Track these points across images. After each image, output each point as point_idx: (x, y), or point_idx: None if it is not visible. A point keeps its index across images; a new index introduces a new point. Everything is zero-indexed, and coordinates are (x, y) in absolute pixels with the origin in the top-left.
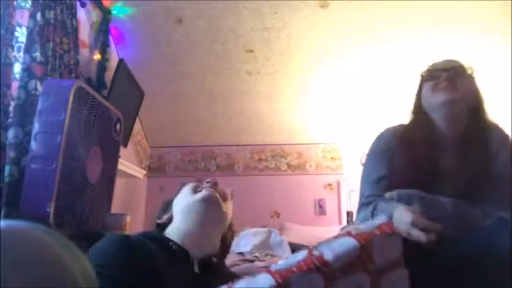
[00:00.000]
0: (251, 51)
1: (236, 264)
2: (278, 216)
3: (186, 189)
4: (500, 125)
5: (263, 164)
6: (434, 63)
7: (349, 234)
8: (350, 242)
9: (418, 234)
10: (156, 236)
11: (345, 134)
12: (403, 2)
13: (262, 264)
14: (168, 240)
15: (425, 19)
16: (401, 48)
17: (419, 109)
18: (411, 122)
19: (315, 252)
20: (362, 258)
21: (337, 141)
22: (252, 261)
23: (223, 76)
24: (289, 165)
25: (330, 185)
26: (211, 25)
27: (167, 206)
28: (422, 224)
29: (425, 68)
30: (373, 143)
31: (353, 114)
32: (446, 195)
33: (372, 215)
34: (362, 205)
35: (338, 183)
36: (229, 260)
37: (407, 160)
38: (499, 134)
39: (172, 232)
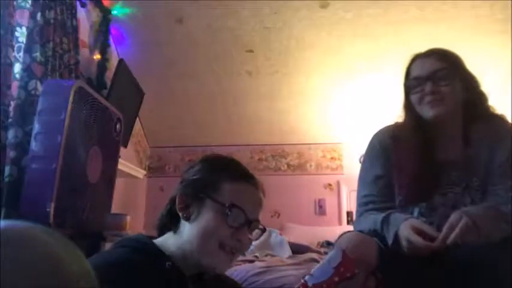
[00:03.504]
0: (251, 51)
1: (236, 264)
2: (278, 216)
3: (220, 224)
4: (501, 114)
5: (263, 164)
6: (416, 66)
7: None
8: None
9: (414, 248)
10: (151, 252)
11: (345, 134)
12: (403, 2)
13: (262, 264)
14: (164, 258)
15: (425, 19)
16: (401, 48)
17: (410, 107)
18: (404, 120)
19: None
20: None
21: (337, 141)
22: (252, 261)
23: (223, 76)
24: (289, 165)
25: (330, 185)
26: (211, 25)
27: (195, 198)
28: (417, 241)
29: (407, 76)
30: (369, 143)
31: (353, 114)
32: (448, 186)
33: (382, 229)
34: (359, 205)
35: (338, 183)
36: None
37: (403, 157)
38: (499, 123)
39: (171, 245)
